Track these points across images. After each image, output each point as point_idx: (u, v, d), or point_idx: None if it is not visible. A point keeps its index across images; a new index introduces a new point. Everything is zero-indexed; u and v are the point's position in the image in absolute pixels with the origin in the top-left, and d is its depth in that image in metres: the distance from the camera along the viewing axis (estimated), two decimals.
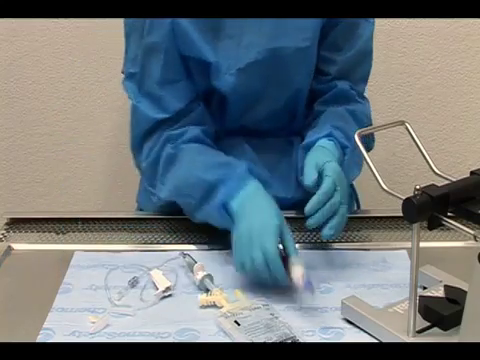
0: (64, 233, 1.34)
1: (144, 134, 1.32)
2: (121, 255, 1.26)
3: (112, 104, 1.99)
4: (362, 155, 1.00)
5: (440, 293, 1.06)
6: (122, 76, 1.36)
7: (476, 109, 2.04)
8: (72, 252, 1.26)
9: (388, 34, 1.97)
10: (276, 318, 1.05)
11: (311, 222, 1.16)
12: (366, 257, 1.24)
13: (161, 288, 1.13)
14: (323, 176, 1.17)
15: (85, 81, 2.00)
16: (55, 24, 1.95)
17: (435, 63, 2.00)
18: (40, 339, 1.04)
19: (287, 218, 1.17)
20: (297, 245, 1.27)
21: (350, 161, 1.28)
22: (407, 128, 1.04)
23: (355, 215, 1.42)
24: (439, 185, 0.95)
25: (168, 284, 1.14)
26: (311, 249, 1.27)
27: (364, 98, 1.44)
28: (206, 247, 1.28)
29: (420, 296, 1.02)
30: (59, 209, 2.08)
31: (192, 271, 1.17)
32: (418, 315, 1.00)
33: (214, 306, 1.10)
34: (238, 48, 1.30)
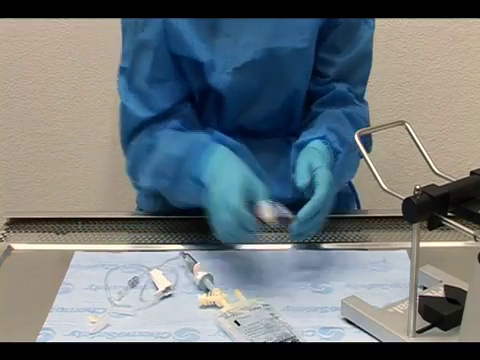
0: (64, 233, 1.35)
1: (132, 132, 1.34)
2: (121, 255, 1.26)
3: (112, 104, 1.99)
4: (362, 155, 1.00)
5: (440, 293, 1.06)
6: None
7: (476, 109, 2.04)
8: (72, 252, 1.26)
9: (388, 34, 1.96)
10: (276, 318, 1.05)
11: (296, 230, 1.15)
12: (366, 257, 1.24)
13: (161, 288, 1.13)
14: (315, 182, 1.16)
15: (85, 81, 2.00)
16: (55, 24, 1.95)
17: (435, 63, 2.00)
18: (40, 339, 1.04)
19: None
20: (296, 246, 1.28)
21: (342, 166, 1.27)
22: (407, 128, 1.04)
23: (355, 215, 1.42)
24: (439, 185, 0.95)
25: (168, 284, 1.14)
26: (311, 249, 1.27)
27: (363, 101, 1.43)
28: (206, 247, 1.28)
29: (420, 296, 1.02)
30: (59, 209, 2.08)
31: (192, 271, 1.17)
32: (418, 315, 1.00)
33: (214, 306, 1.10)
34: (235, 47, 1.30)
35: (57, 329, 1.06)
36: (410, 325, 0.98)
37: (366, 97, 1.45)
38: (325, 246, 1.29)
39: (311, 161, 1.19)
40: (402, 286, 1.13)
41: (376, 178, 0.97)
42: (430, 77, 2.01)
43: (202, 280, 1.14)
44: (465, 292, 0.93)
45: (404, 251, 1.24)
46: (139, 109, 1.32)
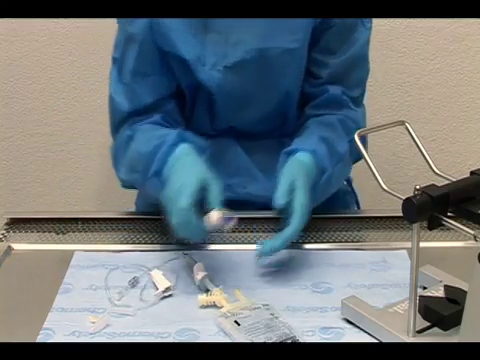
0: (64, 233, 1.34)
1: (118, 123, 1.36)
2: (121, 255, 1.26)
3: None
4: (362, 155, 1.00)
5: (440, 293, 1.06)
6: None
7: (476, 109, 2.04)
8: (72, 252, 1.26)
9: (388, 34, 1.97)
10: (276, 318, 1.05)
11: (263, 250, 1.16)
12: (366, 257, 1.24)
13: (161, 288, 1.13)
14: (292, 207, 1.16)
15: (85, 81, 2.00)
16: (55, 24, 1.95)
17: (435, 63, 2.00)
18: (40, 339, 1.04)
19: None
20: (296, 246, 1.28)
21: (327, 182, 1.26)
22: (407, 128, 1.04)
23: (355, 215, 1.42)
24: (439, 185, 0.95)
25: (168, 284, 1.14)
26: (311, 249, 1.27)
27: (359, 105, 1.41)
28: (206, 247, 1.28)
29: (420, 296, 1.02)
30: (59, 209, 2.08)
31: (192, 271, 1.17)
32: (418, 315, 1.00)
33: (214, 306, 1.10)
34: (226, 45, 1.30)
35: (57, 329, 1.06)
36: (410, 325, 0.98)
37: (366, 99, 1.45)
38: (325, 246, 1.29)
39: (294, 179, 1.18)
40: (402, 286, 1.13)
41: (376, 178, 0.97)
42: (430, 77, 2.01)
43: (202, 280, 1.14)
44: (465, 292, 0.93)
45: (404, 251, 1.24)
46: (124, 102, 1.34)
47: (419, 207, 0.92)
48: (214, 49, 1.30)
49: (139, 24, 1.29)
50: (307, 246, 1.28)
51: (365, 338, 1.03)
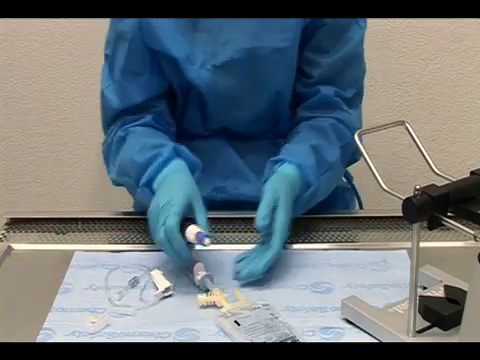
0: (64, 233, 1.34)
1: (109, 120, 1.38)
2: (121, 255, 1.26)
3: None
4: (362, 155, 1.00)
5: (440, 293, 1.06)
6: None
7: (476, 109, 2.04)
8: (72, 252, 1.26)
9: (388, 34, 1.96)
10: (276, 318, 1.05)
11: (243, 275, 1.16)
12: (366, 257, 1.24)
13: (161, 288, 1.13)
14: (273, 228, 1.15)
15: (85, 81, 2.00)
16: (55, 24, 1.95)
17: (435, 63, 2.00)
18: (40, 339, 1.04)
19: None
20: (296, 246, 1.28)
21: (312, 194, 1.26)
22: (407, 128, 1.04)
23: (355, 215, 1.42)
24: (439, 185, 0.95)
25: (168, 284, 1.14)
26: (311, 249, 1.27)
27: (353, 106, 1.39)
28: (206, 247, 1.27)
29: (420, 296, 1.02)
30: (59, 209, 2.08)
31: (192, 271, 1.17)
32: (418, 315, 1.00)
33: (214, 306, 1.10)
34: (215, 44, 1.30)
35: (57, 329, 1.06)
36: (410, 325, 0.98)
37: (365, 99, 1.45)
38: (325, 246, 1.29)
39: (276, 198, 1.17)
40: (402, 286, 1.13)
41: (376, 178, 0.97)
42: (430, 77, 2.01)
43: (202, 280, 1.14)
44: (465, 292, 0.93)
45: (404, 251, 1.24)
46: (114, 99, 1.36)
47: (419, 207, 0.92)
48: (203, 48, 1.29)
49: (128, 22, 1.30)
50: (307, 246, 1.28)
51: (365, 338, 1.03)
